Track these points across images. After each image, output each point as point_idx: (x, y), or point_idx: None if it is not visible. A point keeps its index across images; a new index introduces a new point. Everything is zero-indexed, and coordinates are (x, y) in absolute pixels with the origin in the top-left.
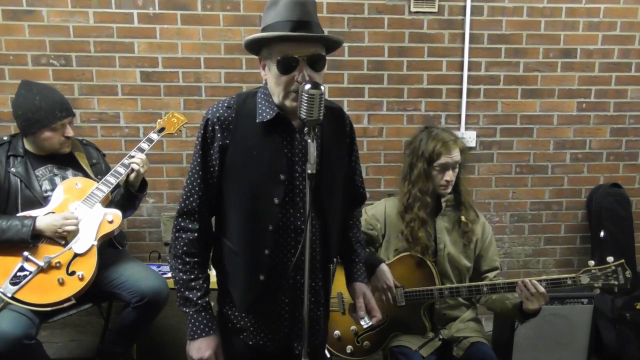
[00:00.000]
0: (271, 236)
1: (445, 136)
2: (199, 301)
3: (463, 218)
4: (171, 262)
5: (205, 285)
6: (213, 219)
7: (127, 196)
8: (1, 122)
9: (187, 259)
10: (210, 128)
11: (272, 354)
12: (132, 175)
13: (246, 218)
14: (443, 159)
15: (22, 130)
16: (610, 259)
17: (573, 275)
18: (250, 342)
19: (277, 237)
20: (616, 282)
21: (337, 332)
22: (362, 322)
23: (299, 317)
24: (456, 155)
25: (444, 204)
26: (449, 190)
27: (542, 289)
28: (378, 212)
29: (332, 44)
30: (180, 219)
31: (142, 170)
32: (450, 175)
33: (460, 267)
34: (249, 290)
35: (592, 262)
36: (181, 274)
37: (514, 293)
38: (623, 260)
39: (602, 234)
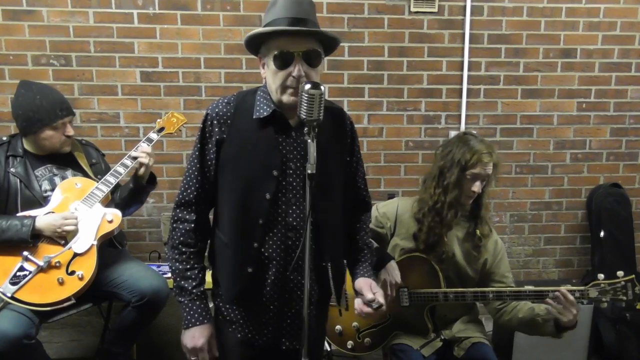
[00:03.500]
0: (261, 230)
1: (483, 147)
2: (194, 290)
3: (478, 232)
4: (168, 253)
5: (200, 275)
6: (211, 214)
7: (136, 190)
8: (1, 122)
9: (184, 249)
10: (209, 122)
11: (260, 348)
12: (142, 169)
13: (238, 211)
14: (477, 169)
15: (23, 130)
16: (620, 273)
17: (582, 288)
18: (239, 335)
19: (267, 232)
20: (624, 298)
21: (338, 327)
22: (373, 305)
23: (288, 313)
24: (489, 168)
25: (459, 214)
26: (471, 200)
27: (571, 297)
28: (389, 211)
29: (329, 43)
30: (177, 210)
31: (150, 162)
32: (478, 187)
33: (464, 278)
34: (236, 281)
35: (601, 276)
36: (177, 263)
37: (540, 306)
38: (633, 276)
39: (602, 234)
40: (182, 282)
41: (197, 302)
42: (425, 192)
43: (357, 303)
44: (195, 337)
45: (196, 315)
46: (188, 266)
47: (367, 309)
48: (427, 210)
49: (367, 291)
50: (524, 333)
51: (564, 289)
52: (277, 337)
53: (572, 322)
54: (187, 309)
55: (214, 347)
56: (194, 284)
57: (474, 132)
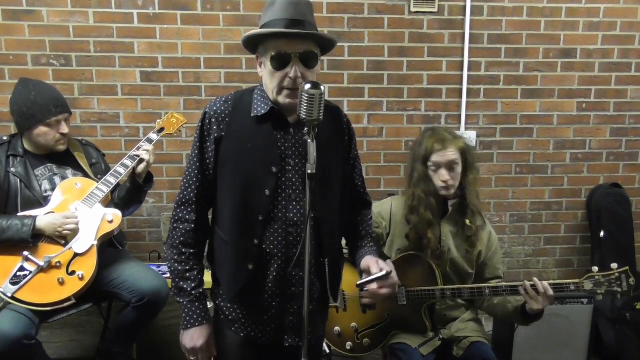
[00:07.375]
0: (261, 226)
1: (442, 134)
2: (193, 292)
3: (468, 222)
4: (167, 252)
5: (199, 276)
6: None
7: (134, 189)
8: (1, 122)
9: (183, 250)
10: (207, 121)
11: (263, 345)
12: (141, 166)
13: (237, 208)
14: (435, 157)
15: (18, 126)
16: (614, 265)
17: (576, 280)
18: (242, 334)
19: (267, 228)
20: (619, 289)
21: (337, 328)
22: (380, 273)
23: (290, 310)
24: (450, 154)
25: (450, 208)
26: (451, 192)
27: (551, 292)
28: (384, 210)
29: (326, 44)
30: (178, 210)
31: (151, 160)
32: (444, 176)
33: (462, 273)
34: (237, 279)
35: (595, 268)
36: (176, 264)
37: (516, 296)
38: (627, 268)
39: (602, 234)
40: (182, 283)
41: (197, 304)
42: (406, 194)
43: (370, 287)
44: (194, 337)
45: (195, 316)
46: (187, 267)
47: (379, 288)
48: (409, 211)
49: (374, 266)
50: (496, 318)
51: (528, 282)
52: (279, 334)
53: (537, 311)
54: (187, 310)
55: (213, 347)
56: (193, 285)
57: (440, 125)
